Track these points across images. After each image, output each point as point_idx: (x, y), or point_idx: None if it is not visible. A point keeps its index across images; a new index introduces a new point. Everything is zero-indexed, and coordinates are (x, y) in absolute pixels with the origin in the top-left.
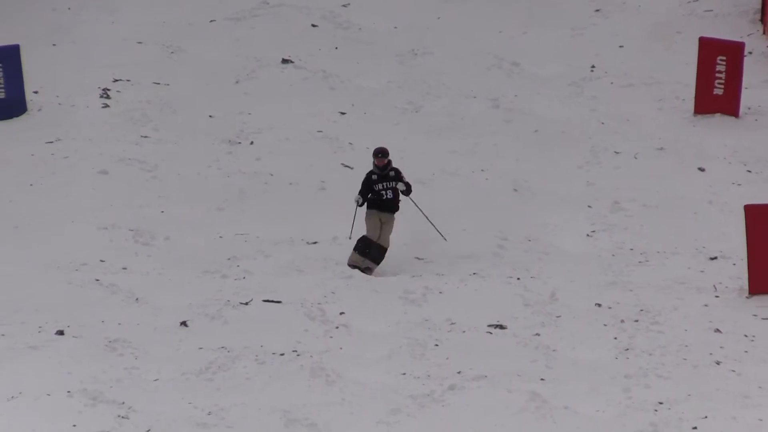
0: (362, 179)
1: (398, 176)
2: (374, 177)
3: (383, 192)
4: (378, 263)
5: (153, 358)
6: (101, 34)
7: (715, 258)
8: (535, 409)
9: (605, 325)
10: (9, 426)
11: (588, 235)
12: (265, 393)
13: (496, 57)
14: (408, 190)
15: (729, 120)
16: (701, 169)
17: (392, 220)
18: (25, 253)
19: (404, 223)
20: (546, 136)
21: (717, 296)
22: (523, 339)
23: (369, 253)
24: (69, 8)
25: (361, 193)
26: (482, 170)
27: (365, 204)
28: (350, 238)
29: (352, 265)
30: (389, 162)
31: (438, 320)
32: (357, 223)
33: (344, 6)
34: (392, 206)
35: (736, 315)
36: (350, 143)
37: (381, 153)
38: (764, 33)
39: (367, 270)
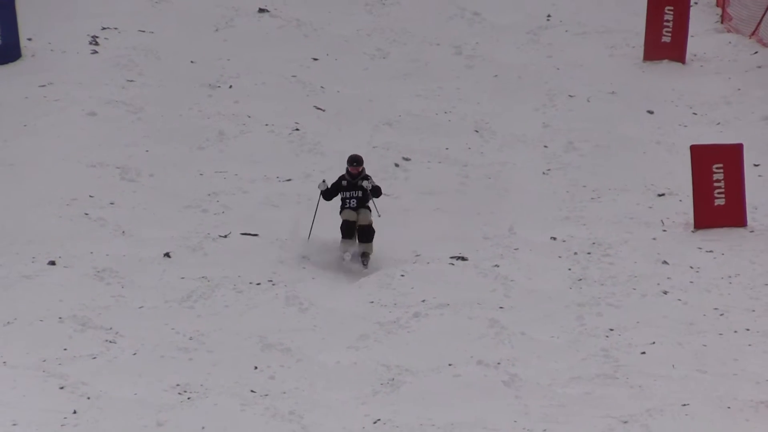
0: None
1: (365, 179)
2: (344, 183)
3: (348, 201)
4: (370, 241)
5: (138, 287)
6: None
7: (663, 195)
8: (495, 335)
9: (560, 257)
10: (4, 350)
11: (544, 173)
12: (242, 320)
13: (459, 7)
14: (375, 193)
15: (676, 66)
16: (650, 112)
17: (367, 208)
18: (19, 189)
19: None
20: (505, 81)
21: (664, 230)
22: (483, 270)
23: (356, 235)
24: None
25: (327, 190)
26: (445, 112)
27: (329, 197)
28: (308, 238)
29: (344, 253)
30: (362, 170)
31: (403, 252)
32: (318, 221)
33: None
34: (362, 204)
35: (682, 248)
36: (322, 87)
37: (356, 161)
38: None
39: (364, 257)
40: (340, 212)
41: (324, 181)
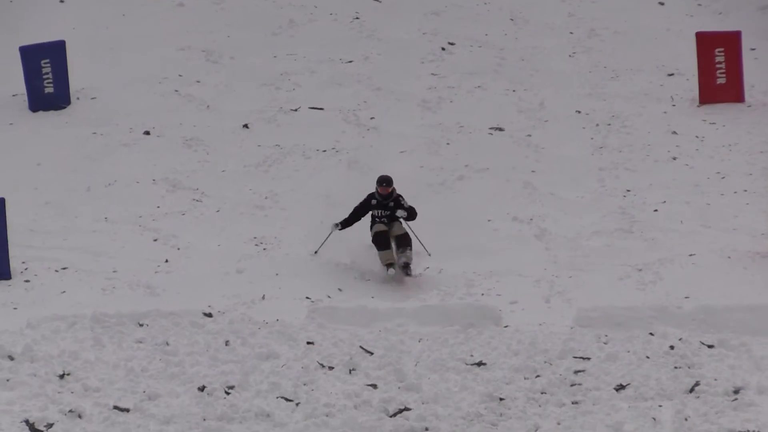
0: (360, 200)
1: (398, 204)
2: (373, 202)
3: (378, 218)
4: (409, 248)
5: (221, 153)
6: None
7: (672, 74)
8: (528, 195)
9: (583, 128)
10: (107, 207)
11: (570, 56)
12: (310, 181)
13: None
14: (410, 216)
15: None
16: (661, 3)
17: (399, 222)
18: (118, 69)
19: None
20: None
21: (674, 105)
22: (517, 139)
23: (392, 245)
24: None
25: (345, 219)
26: (485, 3)
27: (349, 224)
28: (316, 252)
29: (388, 264)
30: (393, 191)
31: (449, 124)
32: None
33: None
34: (393, 220)
35: (689, 120)
36: None
37: (385, 182)
38: None
39: (406, 267)
40: (371, 228)
41: (338, 225)
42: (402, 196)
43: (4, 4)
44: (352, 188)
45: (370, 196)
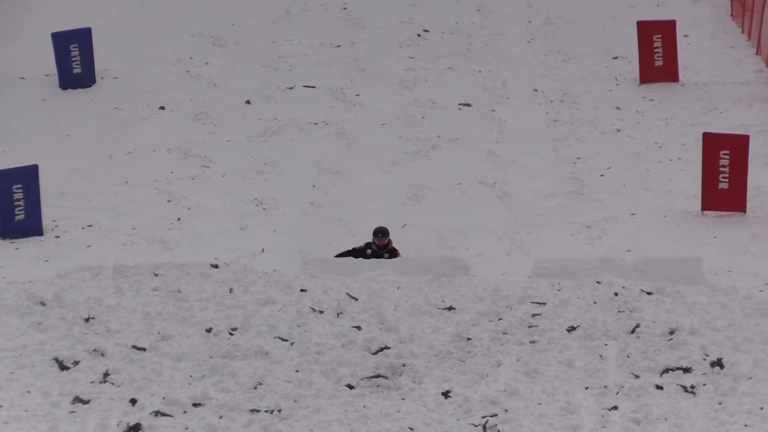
0: (353, 246)
1: (393, 256)
2: (369, 252)
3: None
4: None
5: (226, 126)
6: None
7: (617, 58)
8: (492, 162)
9: (540, 104)
10: (127, 173)
11: (528, 41)
12: (304, 150)
13: None
14: None
15: None
16: None
17: None
18: (137, 53)
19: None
20: None
21: (617, 84)
22: (483, 114)
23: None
24: None
25: (338, 254)
26: None
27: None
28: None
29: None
30: (389, 242)
31: (424, 100)
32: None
33: None
34: None
35: (631, 97)
36: None
37: (381, 233)
38: None
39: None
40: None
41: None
42: (397, 250)
43: None
44: (339, 156)
45: (367, 245)
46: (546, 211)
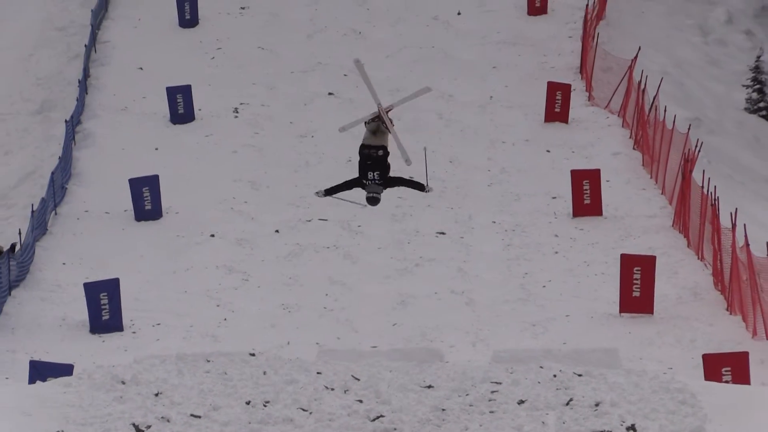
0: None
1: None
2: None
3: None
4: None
5: (261, 249)
6: None
7: (555, 198)
8: (461, 277)
9: (497, 232)
10: (186, 285)
11: (488, 185)
12: (319, 268)
13: None
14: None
15: (562, 125)
16: (548, 151)
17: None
18: (193, 195)
19: None
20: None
21: (556, 218)
22: (454, 240)
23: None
24: None
25: (328, 188)
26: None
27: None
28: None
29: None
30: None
31: (409, 230)
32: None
33: None
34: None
35: (566, 228)
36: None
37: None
38: None
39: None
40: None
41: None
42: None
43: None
44: (346, 272)
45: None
46: (502, 313)
